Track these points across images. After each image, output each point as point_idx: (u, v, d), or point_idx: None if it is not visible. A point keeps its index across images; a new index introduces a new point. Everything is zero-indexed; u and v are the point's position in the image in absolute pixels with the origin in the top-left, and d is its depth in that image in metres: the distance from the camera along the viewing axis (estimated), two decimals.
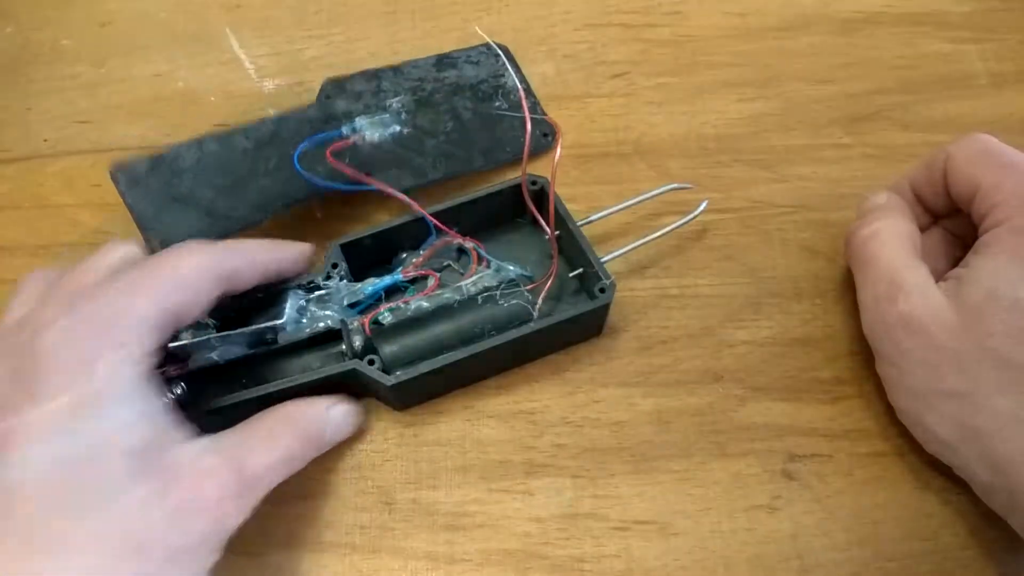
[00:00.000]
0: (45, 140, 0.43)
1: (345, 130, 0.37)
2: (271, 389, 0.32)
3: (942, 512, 0.33)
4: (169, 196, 0.35)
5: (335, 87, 0.40)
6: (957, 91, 0.42)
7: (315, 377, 0.33)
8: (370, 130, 0.37)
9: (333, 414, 0.33)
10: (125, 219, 0.41)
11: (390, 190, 0.34)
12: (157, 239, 0.35)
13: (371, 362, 0.33)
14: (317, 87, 0.43)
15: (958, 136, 0.33)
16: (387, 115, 0.39)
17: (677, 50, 0.44)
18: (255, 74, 0.44)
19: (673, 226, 0.37)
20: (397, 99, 0.40)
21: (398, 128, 0.39)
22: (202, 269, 0.30)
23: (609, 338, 0.37)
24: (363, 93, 0.40)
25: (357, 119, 0.37)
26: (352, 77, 0.41)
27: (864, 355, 0.36)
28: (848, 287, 0.37)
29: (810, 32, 0.44)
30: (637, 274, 0.38)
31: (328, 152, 0.34)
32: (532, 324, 0.33)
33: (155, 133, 0.43)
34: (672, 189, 0.38)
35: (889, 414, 0.34)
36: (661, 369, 0.36)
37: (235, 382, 0.34)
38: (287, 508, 0.34)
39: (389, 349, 0.33)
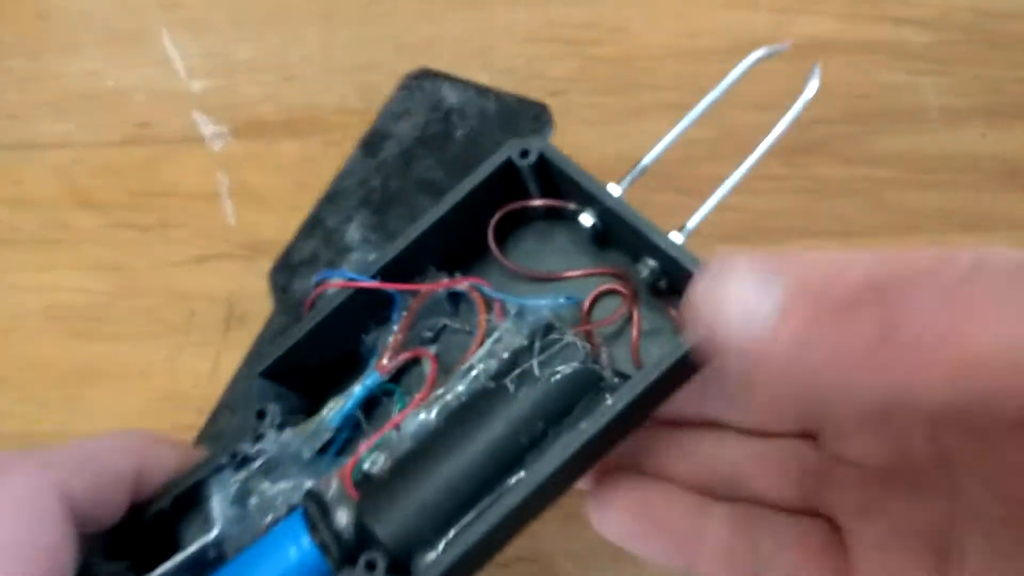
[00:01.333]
0: None
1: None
2: None
3: None
4: None
5: (283, 271, 0.34)
6: (906, 125, 0.41)
7: None
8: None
9: None
10: (42, 216, 0.40)
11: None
12: None
13: (370, 566, 0.20)
14: (246, 91, 0.43)
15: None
16: (353, 253, 0.32)
17: (618, 69, 0.43)
18: (184, 74, 0.43)
19: (792, 114, 0.26)
20: (352, 224, 0.32)
21: (370, 257, 0.29)
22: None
23: None
24: (317, 253, 0.32)
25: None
26: (292, 246, 0.34)
27: None
28: None
29: None
30: None
31: None
32: (610, 399, 0.20)
33: (80, 131, 0.42)
34: (762, 58, 0.28)
35: None
36: None
37: None
38: None
39: (390, 528, 0.20)
